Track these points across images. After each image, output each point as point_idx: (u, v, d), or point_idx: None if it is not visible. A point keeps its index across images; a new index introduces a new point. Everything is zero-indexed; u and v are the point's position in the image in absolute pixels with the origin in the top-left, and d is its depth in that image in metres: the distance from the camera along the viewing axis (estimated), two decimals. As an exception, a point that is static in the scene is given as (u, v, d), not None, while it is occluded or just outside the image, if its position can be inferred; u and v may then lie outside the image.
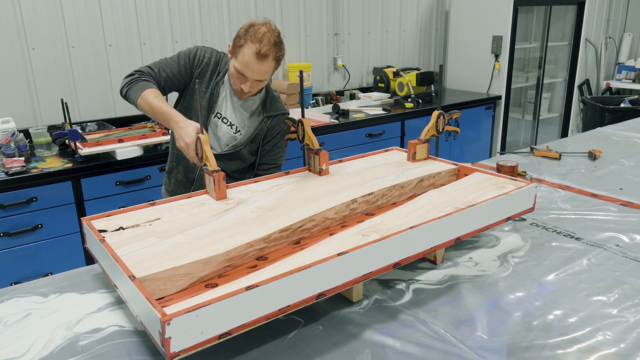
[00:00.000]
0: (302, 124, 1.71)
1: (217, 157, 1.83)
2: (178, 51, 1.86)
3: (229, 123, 1.86)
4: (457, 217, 1.34)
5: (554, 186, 2.01)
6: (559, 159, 2.36)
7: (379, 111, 3.59)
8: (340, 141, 3.31)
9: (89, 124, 2.96)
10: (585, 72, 6.13)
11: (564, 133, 5.20)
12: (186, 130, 1.59)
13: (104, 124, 2.96)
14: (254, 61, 1.64)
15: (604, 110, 5.03)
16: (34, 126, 2.79)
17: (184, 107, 1.86)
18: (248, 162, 1.95)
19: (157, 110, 1.67)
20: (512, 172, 1.98)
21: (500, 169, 1.99)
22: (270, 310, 1.00)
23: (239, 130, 1.87)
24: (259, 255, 1.28)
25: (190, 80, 1.84)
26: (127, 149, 2.55)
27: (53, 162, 2.50)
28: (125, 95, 1.76)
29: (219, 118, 1.86)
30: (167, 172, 2.04)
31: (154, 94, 1.69)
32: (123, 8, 3.03)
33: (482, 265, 1.40)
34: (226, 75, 1.83)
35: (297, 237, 1.36)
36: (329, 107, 3.65)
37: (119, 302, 1.22)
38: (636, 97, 5.39)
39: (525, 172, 2.05)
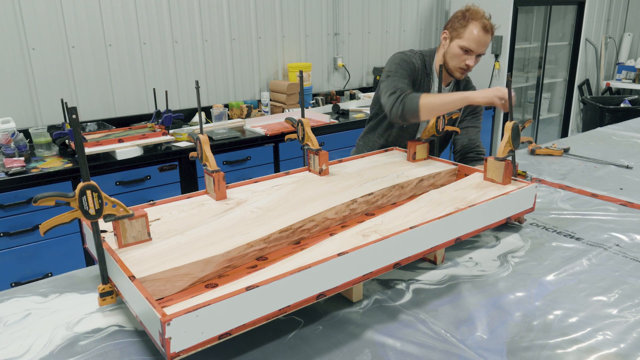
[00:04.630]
0: (302, 124, 1.71)
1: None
2: (401, 61, 1.96)
3: None
4: (457, 217, 1.34)
5: (554, 186, 2.01)
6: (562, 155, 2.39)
7: (379, 111, 3.59)
8: (340, 141, 3.31)
9: (89, 124, 2.96)
10: (585, 72, 6.13)
11: (564, 133, 5.20)
12: (487, 91, 1.72)
13: (104, 124, 2.96)
14: (482, 35, 1.92)
15: (604, 110, 5.03)
16: (34, 126, 2.80)
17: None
18: None
19: (448, 101, 1.76)
20: (512, 172, 1.98)
21: (500, 169, 1.99)
22: (270, 310, 1.00)
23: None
24: (259, 256, 1.28)
25: None
26: (127, 149, 2.56)
27: (53, 162, 2.50)
28: (401, 114, 1.81)
29: None
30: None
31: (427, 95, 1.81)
32: (123, 8, 3.03)
33: (482, 265, 1.40)
34: (433, 70, 2.04)
35: (297, 238, 1.36)
36: (329, 107, 3.65)
37: (119, 302, 1.21)
38: (636, 97, 5.39)
39: (525, 172, 2.05)
